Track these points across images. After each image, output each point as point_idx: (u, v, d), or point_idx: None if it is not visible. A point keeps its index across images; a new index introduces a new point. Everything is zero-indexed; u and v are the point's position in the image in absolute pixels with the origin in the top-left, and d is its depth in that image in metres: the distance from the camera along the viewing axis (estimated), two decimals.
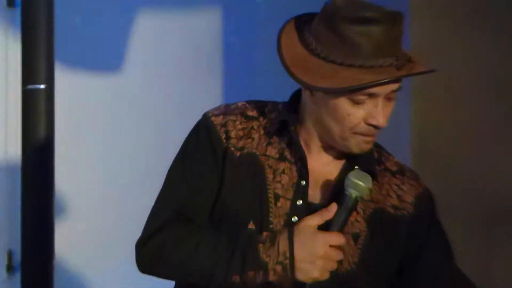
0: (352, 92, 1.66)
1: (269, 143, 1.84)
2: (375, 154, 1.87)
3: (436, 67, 2.73)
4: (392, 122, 2.71)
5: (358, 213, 1.83)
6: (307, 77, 1.67)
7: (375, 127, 1.69)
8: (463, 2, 3.49)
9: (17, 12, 3.41)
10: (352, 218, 1.81)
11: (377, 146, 1.89)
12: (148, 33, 3.77)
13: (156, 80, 3.70)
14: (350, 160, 1.85)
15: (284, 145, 1.83)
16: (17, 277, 3.23)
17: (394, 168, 1.89)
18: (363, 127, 1.68)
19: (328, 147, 1.85)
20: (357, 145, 1.73)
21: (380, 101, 1.69)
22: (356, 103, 1.66)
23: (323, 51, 1.67)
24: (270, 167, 1.81)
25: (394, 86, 1.69)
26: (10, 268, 3.48)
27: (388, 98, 1.72)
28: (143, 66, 3.72)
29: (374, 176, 1.80)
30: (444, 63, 3.30)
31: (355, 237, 1.79)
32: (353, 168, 1.82)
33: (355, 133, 1.69)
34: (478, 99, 3.45)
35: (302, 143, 1.80)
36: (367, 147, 1.77)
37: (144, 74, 3.67)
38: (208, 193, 1.81)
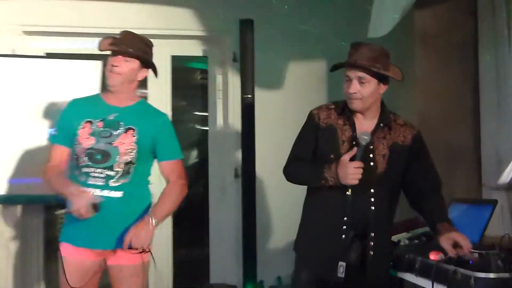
0: (345, 76, 2.08)
1: (338, 118, 2.15)
2: (391, 117, 2.19)
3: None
4: (407, 104, 3.43)
5: (383, 145, 2.12)
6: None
7: (351, 94, 2.07)
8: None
9: (238, 64, 3.80)
10: (381, 147, 2.11)
11: (393, 113, 2.22)
12: (292, 70, 4.03)
13: (293, 96, 3.95)
14: (378, 121, 2.14)
15: (345, 118, 2.14)
16: (239, 180, 3.65)
17: (401, 123, 2.22)
18: (348, 94, 2.10)
19: (363, 117, 2.13)
20: (349, 104, 2.12)
21: (353, 81, 2.06)
22: (347, 81, 2.09)
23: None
24: (340, 128, 2.13)
25: (360, 73, 2.03)
26: (235, 176, 3.78)
27: (361, 82, 2.05)
28: (288, 88, 3.99)
29: (389, 127, 2.14)
30: (438, 81, 3.55)
31: (383, 156, 2.12)
32: (379, 126, 2.12)
33: (348, 98, 2.11)
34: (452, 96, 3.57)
35: (353, 116, 2.13)
36: (352, 105, 2.10)
37: (288, 93, 3.96)
38: (312, 147, 2.18)
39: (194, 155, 4.35)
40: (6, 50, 3.67)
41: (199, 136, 4.32)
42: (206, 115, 4.14)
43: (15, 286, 3.73)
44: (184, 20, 3.88)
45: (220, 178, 3.94)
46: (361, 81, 2.04)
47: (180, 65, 4.12)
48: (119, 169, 2.24)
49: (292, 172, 2.23)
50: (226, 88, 4.02)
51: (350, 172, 1.99)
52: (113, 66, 2.25)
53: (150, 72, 2.44)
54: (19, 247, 3.75)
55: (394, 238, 2.55)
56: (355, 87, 2.04)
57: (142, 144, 2.28)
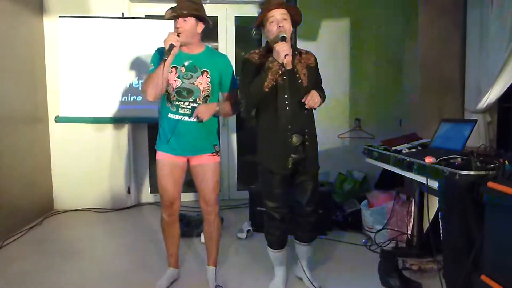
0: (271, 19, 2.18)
1: (265, 56, 2.13)
2: (303, 51, 2.30)
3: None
4: (413, 47, 3.45)
5: (301, 66, 2.20)
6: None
7: (279, 28, 2.13)
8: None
9: None
10: (301, 68, 2.18)
11: (307, 52, 2.30)
12: (324, 26, 4.02)
13: (324, 44, 3.93)
14: (293, 52, 2.22)
15: (270, 55, 2.11)
16: None
17: (304, 52, 2.29)
18: (277, 30, 2.17)
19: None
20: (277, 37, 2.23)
21: (277, 20, 2.13)
22: (272, 22, 2.14)
23: None
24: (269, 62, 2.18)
25: (282, 11, 2.10)
26: None
27: (283, 19, 2.13)
28: (321, 39, 3.97)
29: (300, 54, 2.24)
30: (436, 30, 3.45)
31: (304, 74, 2.22)
32: (295, 54, 2.20)
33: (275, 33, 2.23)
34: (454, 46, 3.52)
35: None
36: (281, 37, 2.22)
37: (320, 42, 3.94)
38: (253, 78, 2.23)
39: None
40: (117, 14, 4.05)
41: None
42: None
43: (131, 179, 4.21)
44: None
45: None
46: (283, 18, 2.11)
47: (241, 23, 4.34)
48: (200, 101, 2.36)
49: (248, 92, 2.17)
50: None
51: (279, 49, 2.04)
52: (177, 27, 2.29)
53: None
54: (132, 153, 4.25)
55: (397, 148, 2.55)
56: (282, 24, 2.08)
57: (214, 82, 2.41)
